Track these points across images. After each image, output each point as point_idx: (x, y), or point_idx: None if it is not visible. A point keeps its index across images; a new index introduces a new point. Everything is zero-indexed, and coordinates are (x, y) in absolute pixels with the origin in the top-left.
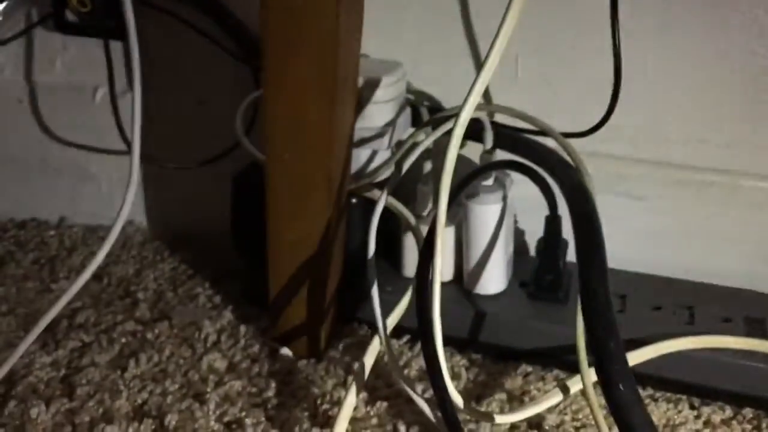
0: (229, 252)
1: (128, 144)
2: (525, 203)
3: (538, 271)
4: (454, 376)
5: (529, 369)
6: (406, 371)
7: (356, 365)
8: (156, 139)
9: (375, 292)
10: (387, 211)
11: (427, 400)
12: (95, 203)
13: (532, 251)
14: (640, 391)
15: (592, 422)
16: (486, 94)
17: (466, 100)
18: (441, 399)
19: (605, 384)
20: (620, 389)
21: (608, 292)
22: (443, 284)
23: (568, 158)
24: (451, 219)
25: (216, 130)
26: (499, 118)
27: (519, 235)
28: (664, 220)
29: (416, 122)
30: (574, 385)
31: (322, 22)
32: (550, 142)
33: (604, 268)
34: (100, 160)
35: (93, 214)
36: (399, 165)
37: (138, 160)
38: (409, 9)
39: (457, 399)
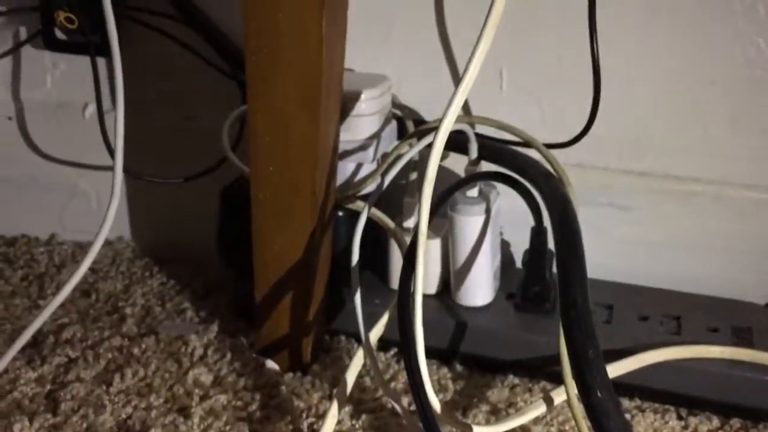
0: (218, 266)
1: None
2: (511, 215)
3: (525, 282)
4: (441, 389)
5: (516, 381)
6: (392, 384)
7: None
8: (144, 155)
9: (359, 304)
10: (374, 223)
11: (412, 413)
12: (85, 219)
13: (520, 263)
14: (628, 402)
15: None
16: (471, 106)
17: (445, 112)
18: (422, 412)
19: (583, 391)
20: (598, 396)
21: (588, 301)
22: (430, 296)
23: (551, 169)
24: (437, 231)
25: (204, 145)
26: (484, 129)
27: (506, 247)
28: (650, 230)
29: (402, 135)
30: (559, 397)
31: (304, 37)
32: (533, 153)
33: (584, 278)
34: (90, 177)
35: (83, 231)
36: (383, 177)
37: (121, 176)
38: (394, 24)
39: (439, 411)
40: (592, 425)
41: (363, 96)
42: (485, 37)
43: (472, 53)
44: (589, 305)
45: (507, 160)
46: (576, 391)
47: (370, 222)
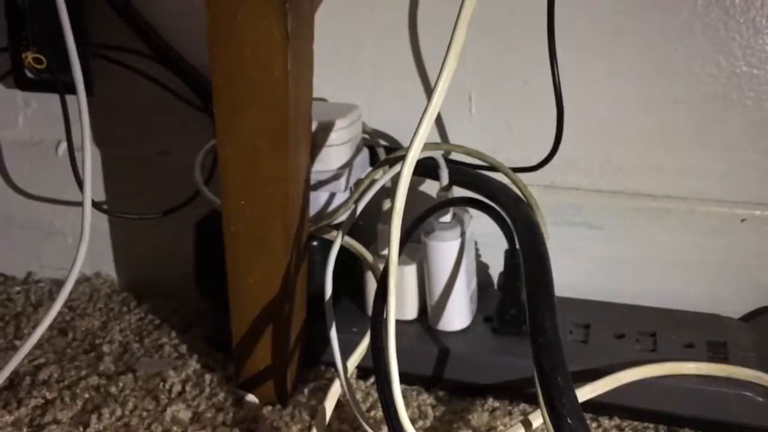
0: (196, 300)
1: None
2: (488, 237)
3: (501, 305)
4: (420, 415)
5: (497, 404)
6: (372, 413)
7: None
8: (120, 191)
9: (334, 334)
10: (350, 252)
11: None
12: (62, 257)
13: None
14: (607, 421)
15: None
16: (442, 131)
17: (411, 143)
18: None
19: (553, 418)
20: (568, 423)
21: (556, 327)
22: (408, 322)
23: (519, 193)
24: (412, 256)
25: (180, 179)
26: (454, 154)
27: (483, 269)
28: (624, 248)
29: (374, 162)
30: (537, 420)
31: (270, 71)
32: (502, 178)
33: (552, 303)
34: (65, 214)
35: (60, 268)
36: (356, 205)
37: (90, 214)
38: (363, 52)
39: None
40: None
41: (333, 126)
42: (447, 68)
43: (435, 85)
44: (558, 331)
45: (477, 185)
46: None
47: (345, 249)
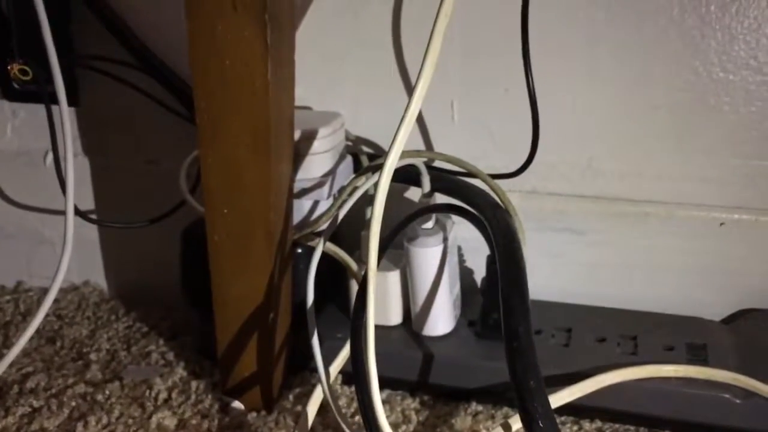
0: (184, 308)
1: (75, 207)
2: (472, 242)
3: (484, 310)
4: (404, 420)
5: (480, 408)
6: (356, 418)
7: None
8: (107, 199)
9: (315, 341)
10: (335, 259)
11: None
12: (51, 266)
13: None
14: (588, 424)
15: None
16: (425, 138)
17: (390, 148)
18: None
19: (525, 421)
20: (540, 426)
21: (530, 331)
22: (391, 328)
23: (497, 199)
24: (396, 262)
25: (167, 188)
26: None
27: (468, 275)
28: (605, 253)
29: (358, 170)
30: (516, 423)
31: (251, 80)
32: (482, 184)
33: (526, 309)
34: (54, 223)
35: (49, 278)
36: (338, 212)
37: (72, 223)
38: (346, 60)
39: None
40: None
41: (315, 135)
42: (423, 77)
43: (412, 93)
44: (531, 335)
45: (458, 192)
46: None
47: (331, 256)
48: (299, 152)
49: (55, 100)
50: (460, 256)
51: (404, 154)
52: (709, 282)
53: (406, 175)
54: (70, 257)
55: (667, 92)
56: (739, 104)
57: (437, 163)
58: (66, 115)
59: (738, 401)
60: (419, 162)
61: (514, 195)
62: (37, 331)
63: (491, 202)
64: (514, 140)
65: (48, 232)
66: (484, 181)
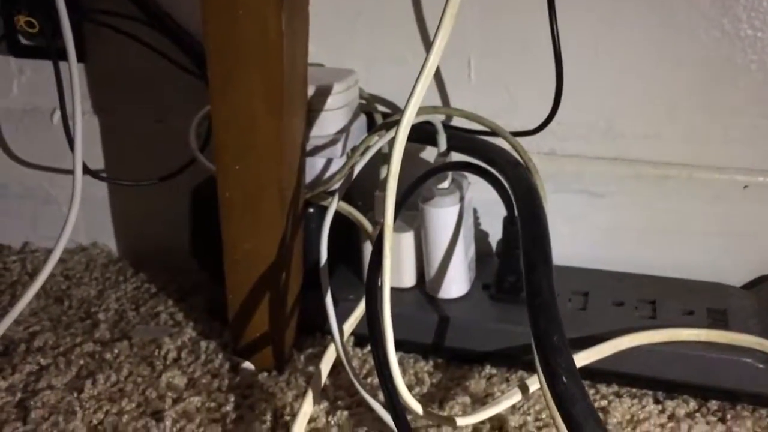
0: (194, 269)
1: (83, 165)
2: (487, 205)
3: (499, 273)
4: (417, 382)
5: (494, 371)
6: (369, 379)
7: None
8: (115, 158)
9: (329, 299)
10: (348, 220)
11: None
12: (58, 227)
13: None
14: (605, 387)
15: None
16: (441, 97)
17: (407, 104)
18: (390, 403)
19: (549, 377)
20: (563, 382)
21: (552, 287)
22: (405, 290)
23: (518, 157)
24: (410, 223)
25: (176, 146)
26: (453, 119)
27: (482, 238)
28: (624, 216)
29: (372, 129)
30: (533, 385)
31: (264, 32)
32: (501, 142)
33: (549, 264)
34: (61, 182)
35: (55, 239)
36: (351, 170)
37: (80, 179)
38: (360, 16)
39: (411, 402)
40: (558, 411)
41: (329, 91)
42: (443, 29)
43: (431, 46)
44: (554, 291)
45: (475, 150)
46: None
47: (344, 217)
48: (312, 108)
49: (62, 56)
50: (475, 218)
51: (421, 110)
52: (731, 247)
53: (421, 134)
54: (79, 218)
55: (693, 50)
56: (767, 63)
57: (455, 122)
58: (75, 69)
59: (760, 366)
60: (436, 119)
61: (532, 157)
62: (45, 291)
63: (511, 160)
64: (533, 99)
65: (55, 192)
66: (504, 138)
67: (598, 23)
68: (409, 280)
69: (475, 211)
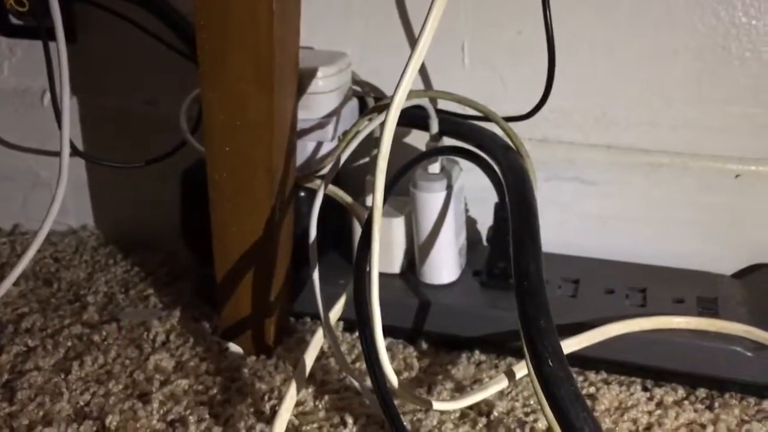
0: (184, 253)
1: (73, 147)
2: (477, 192)
3: (490, 259)
4: (406, 367)
5: (483, 357)
6: (357, 364)
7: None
8: (104, 140)
9: (317, 282)
10: (339, 203)
11: (373, 392)
12: (48, 208)
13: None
14: (594, 375)
15: None
16: (434, 81)
17: (397, 86)
18: (378, 388)
19: (535, 360)
20: (549, 365)
21: (541, 271)
22: (395, 276)
23: (509, 142)
24: (400, 209)
25: (166, 129)
26: (445, 104)
27: (472, 225)
28: (616, 204)
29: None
30: (521, 371)
31: (254, 14)
32: (495, 128)
33: (538, 249)
34: (51, 165)
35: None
36: (341, 154)
37: (67, 161)
38: (355, 2)
39: (394, 383)
40: (543, 394)
41: (320, 73)
42: (434, 11)
43: (422, 28)
44: (542, 275)
45: (467, 134)
46: None
47: (334, 202)
48: (303, 90)
49: (52, 36)
50: (467, 205)
51: (413, 93)
52: (722, 236)
53: (413, 118)
54: (69, 201)
55: (688, 37)
56: (762, 51)
57: (447, 106)
58: (63, 49)
59: (749, 354)
60: (427, 103)
61: (525, 143)
62: (34, 273)
63: (502, 144)
64: (526, 85)
65: (44, 174)
66: (496, 122)
67: (593, 11)
68: (399, 266)
69: (464, 198)
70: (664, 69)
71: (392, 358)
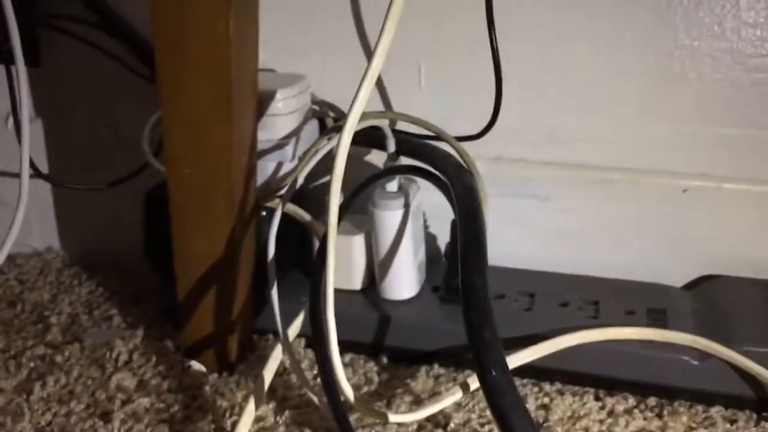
0: (148, 273)
1: (36, 170)
2: (436, 209)
3: (448, 274)
4: (366, 381)
5: (442, 371)
6: (318, 380)
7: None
8: (67, 163)
9: (275, 300)
10: (303, 226)
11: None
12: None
13: None
14: (548, 386)
15: None
16: (393, 102)
17: (352, 104)
18: (331, 401)
19: (479, 370)
20: (492, 374)
21: (486, 285)
22: (356, 292)
23: (461, 161)
24: (360, 227)
25: (129, 151)
26: (405, 125)
27: (432, 241)
28: (570, 219)
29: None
30: (475, 383)
31: (212, 37)
32: (448, 148)
33: (484, 263)
34: (15, 187)
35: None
36: (299, 173)
37: (27, 182)
38: (313, 23)
39: (351, 398)
40: (487, 403)
41: (279, 95)
42: (387, 30)
43: (374, 51)
44: (487, 289)
45: (422, 153)
46: None
47: (295, 221)
48: (263, 112)
49: (13, 60)
50: (426, 222)
51: (369, 115)
52: (672, 249)
53: (371, 139)
54: (33, 222)
55: (635, 58)
56: (704, 71)
57: (403, 127)
58: (23, 73)
59: (696, 363)
60: (384, 123)
61: (480, 161)
62: None
63: (455, 163)
64: (481, 105)
65: (7, 196)
66: (449, 142)
67: (542, 30)
68: (360, 282)
69: (423, 214)
70: (614, 89)
71: (353, 372)
